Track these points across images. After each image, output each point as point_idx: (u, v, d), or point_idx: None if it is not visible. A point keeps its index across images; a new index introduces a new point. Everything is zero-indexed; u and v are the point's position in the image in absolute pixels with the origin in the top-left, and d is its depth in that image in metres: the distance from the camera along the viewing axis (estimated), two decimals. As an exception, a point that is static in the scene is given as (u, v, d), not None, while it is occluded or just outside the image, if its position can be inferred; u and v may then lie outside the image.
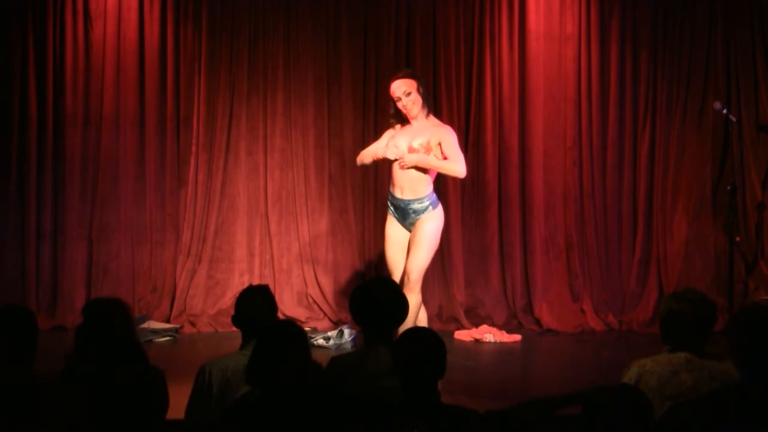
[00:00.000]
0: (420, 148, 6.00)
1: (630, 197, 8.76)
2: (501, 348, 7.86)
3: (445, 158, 6.07)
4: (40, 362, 3.64)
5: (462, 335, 8.10)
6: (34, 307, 7.85)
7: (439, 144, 6.06)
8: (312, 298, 8.49)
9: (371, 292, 4.22)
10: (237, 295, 4.36)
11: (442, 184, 8.64)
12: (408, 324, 4.80)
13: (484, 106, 8.66)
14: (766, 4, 8.69)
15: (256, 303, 4.22)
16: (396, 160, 6.03)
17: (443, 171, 6.18)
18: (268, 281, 7.90)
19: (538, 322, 8.49)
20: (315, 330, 8.00)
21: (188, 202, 8.41)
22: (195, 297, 8.37)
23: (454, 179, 8.58)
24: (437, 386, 3.40)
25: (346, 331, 7.67)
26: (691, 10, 8.73)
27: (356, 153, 6.69)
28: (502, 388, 6.43)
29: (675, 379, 3.79)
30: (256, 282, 7.57)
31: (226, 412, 3.43)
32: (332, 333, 7.70)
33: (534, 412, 3.63)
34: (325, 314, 8.44)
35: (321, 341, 7.58)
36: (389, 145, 6.12)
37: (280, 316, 7.65)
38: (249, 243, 8.52)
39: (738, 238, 8.13)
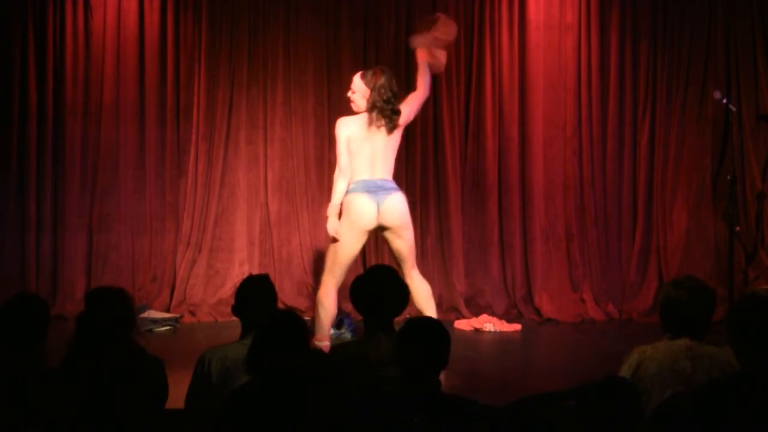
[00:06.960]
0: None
1: (630, 187, 8.75)
2: (501, 337, 7.87)
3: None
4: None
5: (462, 325, 8.10)
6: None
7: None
8: (312, 288, 8.49)
9: (372, 281, 4.22)
10: (237, 284, 4.37)
11: (441, 174, 8.66)
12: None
13: (483, 96, 8.65)
14: (766, -5, 8.68)
15: (256, 293, 4.22)
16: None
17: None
18: (268, 271, 7.87)
19: (538, 311, 8.49)
20: (315, 319, 7.98)
21: (188, 191, 8.41)
22: (195, 286, 8.37)
23: (454, 168, 8.61)
24: (439, 376, 3.40)
25: (347, 321, 7.66)
26: (691, -1, 8.72)
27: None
28: (502, 378, 6.44)
29: (675, 366, 3.80)
30: (256, 272, 7.59)
31: (226, 401, 3.43)
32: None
33: (530, 406, 3.63)
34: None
35: (321, 331, 7.55)
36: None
37: (280, 305, 7.65)
38: (249, 232, 8.52)
39: (738, 228, 8.10)
